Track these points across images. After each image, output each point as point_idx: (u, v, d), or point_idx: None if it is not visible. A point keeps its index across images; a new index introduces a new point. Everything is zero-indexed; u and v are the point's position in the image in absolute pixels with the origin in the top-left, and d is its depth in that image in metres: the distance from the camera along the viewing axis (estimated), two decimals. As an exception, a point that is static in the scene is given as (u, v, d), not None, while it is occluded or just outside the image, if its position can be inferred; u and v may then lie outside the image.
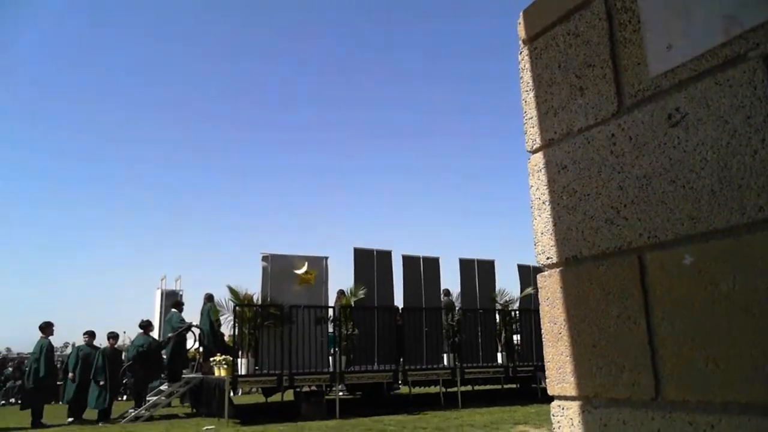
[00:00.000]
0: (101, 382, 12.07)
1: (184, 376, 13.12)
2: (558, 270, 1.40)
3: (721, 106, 1.05)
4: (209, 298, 13.44)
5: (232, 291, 11.95)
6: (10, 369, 24.19)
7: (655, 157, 1.17)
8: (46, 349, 12.13)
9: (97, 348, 12.79)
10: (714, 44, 1.07)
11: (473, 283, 14.44)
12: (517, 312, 14.56)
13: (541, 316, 1.46)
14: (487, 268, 14.78)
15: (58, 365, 15.42)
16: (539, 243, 1.47)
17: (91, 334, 12.98)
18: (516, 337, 14.67)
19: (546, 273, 1.44)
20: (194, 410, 13.14)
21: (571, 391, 1.34)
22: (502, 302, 14.53)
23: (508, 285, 16.41)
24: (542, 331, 1.45)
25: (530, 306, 14.26)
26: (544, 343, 1.44)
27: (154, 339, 13.67)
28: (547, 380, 1.44)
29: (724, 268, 1.04)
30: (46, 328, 12.36)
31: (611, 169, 1.27)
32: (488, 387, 16.16)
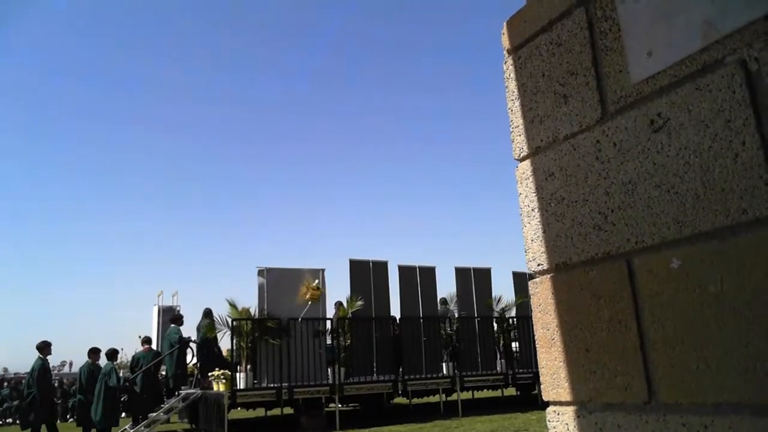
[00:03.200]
0: (123, 399, 12.02)
1: (181, 391, 13.04)
2: (549, 276, 1.41)
3: (702, 111, 1.07)
4: (207, 313, 13.38)
5: (231, 305, 11.92)
6: (7, 389, 23.99)
7: (640, 163, 1.18)
8: (38, 371, 12.05)
9: (100, 366, 12.68)
10: (693, 50, 1.09)
11: (470, 292, 14.43)
12: (515, 319, 14.56)
13: (533, 322, 1.47)
14: (483, 276, 14.78)
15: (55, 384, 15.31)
16: (530, 250, 1.48)
17: (95, 352, 12.88)
18: (515, 344, 14.66)
19: (537, 280, 1.45)
20: (193, 426, 13.05)
21: (566, 396, 1.35)
22: (498, 310, 14.53)
23: (504, 292, 16.42)
24: (535, 337, 1.46)
25: (528, 313, 14.26)
26: (537, 349, 1.45)
27: (157, 353, 13.69)
28: (541, 386, 1.44)
29: (711, 270, 1.05)
30: (44, 347, 12.25)
31: (597, 176, 1.28)
32: (488, 394, 16.11)
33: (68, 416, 19.95)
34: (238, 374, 11.42)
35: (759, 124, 0.98)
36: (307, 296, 12.08)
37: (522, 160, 1.51)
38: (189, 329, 13.91)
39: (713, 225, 1.04)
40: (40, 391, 11.86)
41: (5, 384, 25.33)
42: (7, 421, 22.66)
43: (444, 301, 14.31)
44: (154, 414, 12.29)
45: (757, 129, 0.98)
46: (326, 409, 11.99)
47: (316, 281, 12.40)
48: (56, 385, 15.18)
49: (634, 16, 1.20)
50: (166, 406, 12.59)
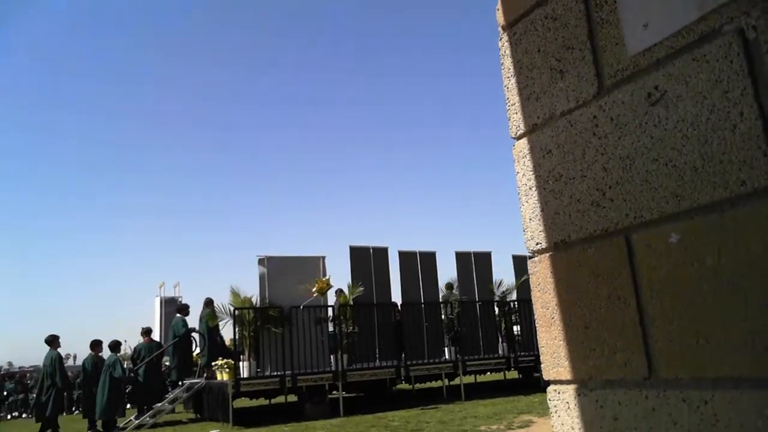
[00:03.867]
0: (127, 389, 12.15)
1: (185, 381, 13.12)
2: (548, 255, 1.40)
3: (699, 82, 1.05)
4: (208, 303, 13.42)
5: (233, 294, 11.96)
6: (12, 384, 24.11)
7: (637, 137, 1.17)
8: (58, 361, 12.18)
9: (103, 359, 12.75)
10: (690, 20, 1.07)
11: (470, 276, 14.46)
12: (516, 302, 14.61)
13: (533, 301, 1.46)
14: (483, 260, 14.80)
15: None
16: (528, 229, 1.47)
17: (98, 344, 12.97)
18: (516, 328, 14.72)
19: (536, 258, 1.44)
20: (198, 415, 13.14)
21: (566, 375, 1.35)
22: (500, 293, 14.57)
23: (507, 275, 16.47)
24: (535, 316, 1.45)
25: (529, 296, 14.24)
26: (537, 328, 1.44)
27: (158, 343, 13.78)
28: (542, 365, 1.44)
29: (709, 243, 1.04)
30: (53, 341, 12.34)
31: (595, 151, 1.27)
32: (490, 377, 16.20)
33: (73, 408, 20.08)
34: (241, 363, 11.47)
35: (757, 94, 0.96)
36: (315, 289, 12.09)
37: (519, 138, 1.50)
38: (193, 320, 13.96)
39: (712, 198, 1.03)
40: (63, 382, 12.01)
41: (6, 378, 25.42)
42: (14, 414, 22.79)
43: (450, 286, 14.35)
44: (159, 404, 12.37)
45: (755, 99, 0.97)
46: (329, 396, 12.06)
47: (329, 275, 12.42)
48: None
49: (630, -13, 1.18)
50: (170, 396, 12.67)
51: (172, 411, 13.31)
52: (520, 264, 14.92)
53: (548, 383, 1.42)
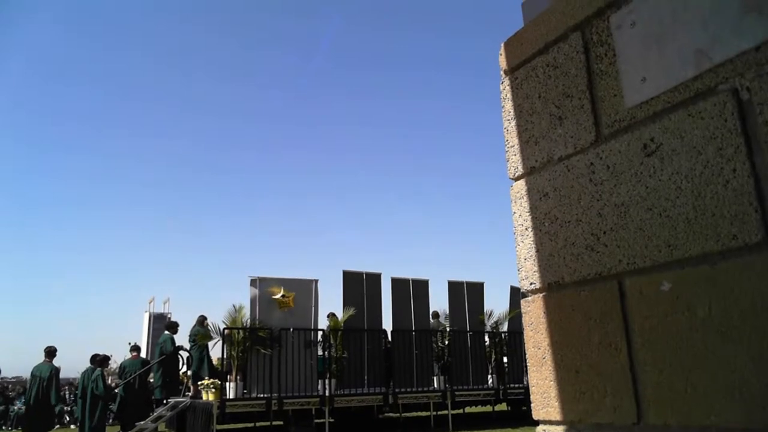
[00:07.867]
0: (110, 406, 12.01)
1: (170, 399, 12.94)
2: (541, 295, 1.42)
3: (694, 137, 1.09)
4: (201, 321, 13.29)
5: (237, 309, 11.88)
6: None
7: (632, 186, 1.20)
8: (56, 376, 12.06)
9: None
10: (686, 77, 1.11)
11: (462, 306, 14.41)
12: (507, 334, 14.54)
13: (525, 340, 1.48)
14: (476, 291, 14.77)
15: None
16: (522, 269, 1.49)
17: (94, 358, 12.87)
18: (506, 359, 14.62)
19: (529, 298, 1.46)
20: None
21: (556, 415, 1.36)
22: (491, 324, 14.51)
23: (499, 306, 16.40)
24: (527, 355, 1.46)
25: (520, 328, 14.17)
26: (528, 367, 1.46)
27: (145, 360, 13.63)
28: (532, 404, 1.45)
29: (700, 294, 1.06)
30: (52, 353, 12.26)
31: (590, 197, 1.30)
32: (479, 409, 16.04)
33: (67, 421, 19.79)
34: (228, 384, 11.34)
35: (750, 152, 1.00)
36: (281, 306, 12.02)
37: (517, 179, 1.53)
38: (182, 337, 13.80)
39: (703, 249, 1.06)
40: (56, 397, 11.87)
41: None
42: (-8, 425, 22.35)
43: (436, 315, 14.29)
44: (142, 422, 12.17)
45: (747, 157, 1.00)
46: (316, 421, 11.89)
47: (279, 293, 12.29)
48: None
49: (630, 42, 1.22)
50: (154, 414, 12.48)
51: (155, 430, 13.10)
52: (516, 296, 14.88)
53: (537, 422, 1.42)
